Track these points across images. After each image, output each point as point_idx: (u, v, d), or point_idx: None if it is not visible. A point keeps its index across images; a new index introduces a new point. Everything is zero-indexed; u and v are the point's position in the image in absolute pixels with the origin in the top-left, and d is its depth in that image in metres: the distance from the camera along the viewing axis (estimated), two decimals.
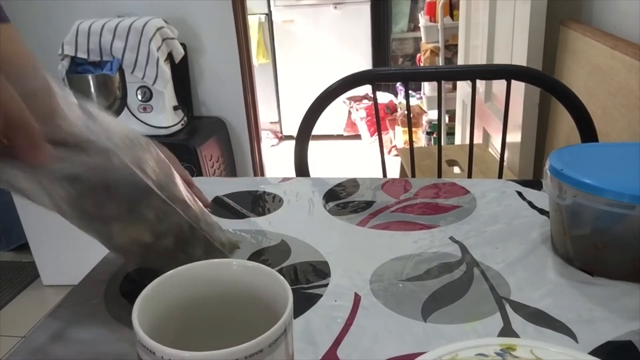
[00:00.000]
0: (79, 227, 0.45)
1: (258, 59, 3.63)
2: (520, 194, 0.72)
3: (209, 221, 0.52)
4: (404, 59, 3.89)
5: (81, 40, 2.32)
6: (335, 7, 3.61)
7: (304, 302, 0.51)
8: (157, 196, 0.44)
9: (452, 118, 2.61)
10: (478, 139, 1.99)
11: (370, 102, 3.64)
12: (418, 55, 3.48)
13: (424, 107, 3.27)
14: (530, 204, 0.69)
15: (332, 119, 3.49)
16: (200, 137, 2.08)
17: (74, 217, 0.44)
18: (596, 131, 0.96)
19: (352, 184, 0.78)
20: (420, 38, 3.34)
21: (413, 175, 1.15)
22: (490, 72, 1.14)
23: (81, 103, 0.44)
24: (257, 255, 0.60)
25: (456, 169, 1.75)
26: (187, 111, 2.20)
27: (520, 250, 0.58)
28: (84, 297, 0.54)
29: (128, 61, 2.33)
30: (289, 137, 3.90)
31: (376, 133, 1.66)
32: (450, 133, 2.63)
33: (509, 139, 1.27)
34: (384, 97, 3.70)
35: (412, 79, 1.11)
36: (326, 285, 0.54)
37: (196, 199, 0.52)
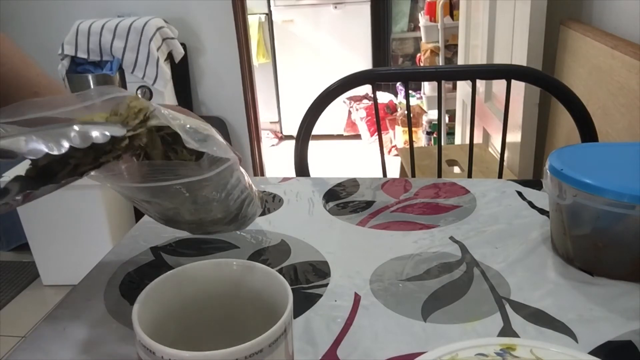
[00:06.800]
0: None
1: (258, 59, 3.63)
2: (520, 193, 0.72)
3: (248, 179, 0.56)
4: (404, 58, 3.89)
5: (81, 40, 2.32)
6: (335, 7, 3.61)
7: (304, 302, 0.51)
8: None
9: (452, 118, 2.61)
10: (478, 139, 1.99)
11: (370, 102, 3.64)
12: (418, 55, 3.48)
13: (424, 107, 3.27)
14: (530, 204, 0.69)
15: (332, 119, 3.49)
16: None
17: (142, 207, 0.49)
18: (596, 131, 0.96)
19: (352, 184, 0.78)
20: (420, 38, 3.34)
21: (413, 175, 1.15)
22: (490, 72, 1.14)
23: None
24: (257, 255, 0.60)
25: (456, 169, 1.75)
26: None
27: (520, 250, 0.58)
28: (84, 297, 0.54)
29: (128, 61, 2.33)
30: (289, 137, 3.90)
31: (376, 133, 1.65)
32: (450, 133, 2.63)
33: (509, 139, 1.27)
34: (384, 97, 3.70)
35: (412, 79, 1.11)
36: (326, 285, 0.54)
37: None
